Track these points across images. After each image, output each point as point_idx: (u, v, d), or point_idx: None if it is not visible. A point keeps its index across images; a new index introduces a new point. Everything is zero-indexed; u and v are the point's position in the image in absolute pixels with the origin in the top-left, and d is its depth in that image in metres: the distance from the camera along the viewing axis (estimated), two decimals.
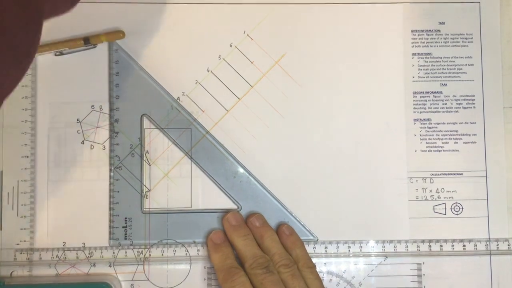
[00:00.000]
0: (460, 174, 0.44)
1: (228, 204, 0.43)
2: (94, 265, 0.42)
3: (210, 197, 0.43)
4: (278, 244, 0.41)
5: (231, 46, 0.44)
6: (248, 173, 0.43)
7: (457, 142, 0.44)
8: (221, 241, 0.41)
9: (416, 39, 0.45)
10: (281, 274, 0.39)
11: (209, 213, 0.43)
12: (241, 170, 0.43)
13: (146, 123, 0.43)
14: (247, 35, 0.44)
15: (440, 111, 0.44)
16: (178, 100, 0.43)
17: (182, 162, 0.43)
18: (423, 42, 0.45)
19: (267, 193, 0.43)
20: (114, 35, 0.42)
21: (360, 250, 0.43)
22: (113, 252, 0.42)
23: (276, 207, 0.43)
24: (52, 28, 0.42)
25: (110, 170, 0.43)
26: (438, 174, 0.44)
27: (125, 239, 0.42)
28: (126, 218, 0.42)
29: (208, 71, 0.44)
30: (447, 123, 0.44)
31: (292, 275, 0.39)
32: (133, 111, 0.43)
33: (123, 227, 0.42)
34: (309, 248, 0.42)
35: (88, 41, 0.42)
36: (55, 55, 0.43)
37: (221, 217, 0.43)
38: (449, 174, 0.44)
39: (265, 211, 0.43)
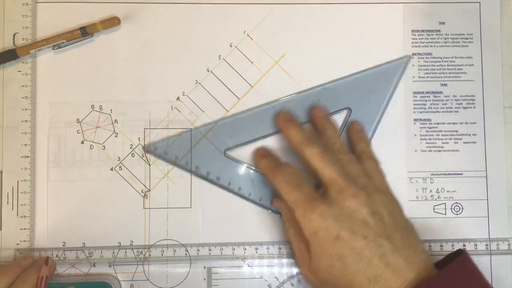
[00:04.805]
0: (460, 174, 0.44)
1: (229, 203, 0.43)
2: (94, 265, 0.42)
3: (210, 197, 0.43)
4: (339, 136, 0.41)
5: (231, 46, 0.44)
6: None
7: (457, 142, 0.44)
8: (264, 151, 0.42)
9: (416, 39, 0.45)
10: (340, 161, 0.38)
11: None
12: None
13: (146, 123, 0.43)
14: (247, 35, 0.44)
15: (440, 111, 0.44)
16: (178, 100, 0.43)
17: None
18: (423, 42, 0.45)
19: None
20: (109, 22, 0.42)
21: None
22: (113, 252, 0.42)
23: None
24: (51, 29, 0.43)
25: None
26: (438, 174, 0.44)
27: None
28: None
29: (208, 71, 0.44)
30: (447, 123, 0.44)
31: (350, 161, 0.38)
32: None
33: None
34: None
35: (85, 31, 0.42)
36: (53, 49, 0.43)
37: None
38: (449, 174, 0.44)
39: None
